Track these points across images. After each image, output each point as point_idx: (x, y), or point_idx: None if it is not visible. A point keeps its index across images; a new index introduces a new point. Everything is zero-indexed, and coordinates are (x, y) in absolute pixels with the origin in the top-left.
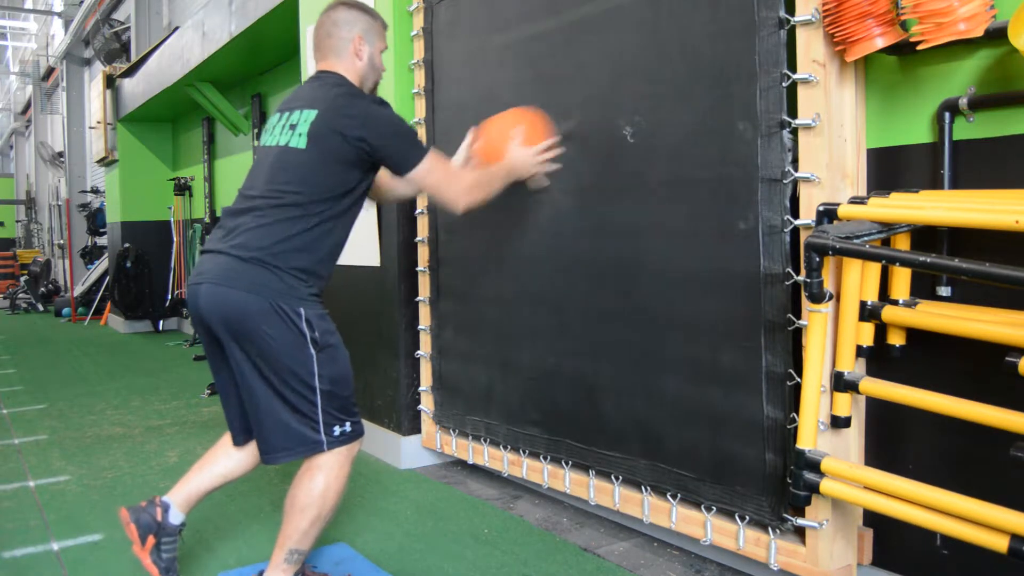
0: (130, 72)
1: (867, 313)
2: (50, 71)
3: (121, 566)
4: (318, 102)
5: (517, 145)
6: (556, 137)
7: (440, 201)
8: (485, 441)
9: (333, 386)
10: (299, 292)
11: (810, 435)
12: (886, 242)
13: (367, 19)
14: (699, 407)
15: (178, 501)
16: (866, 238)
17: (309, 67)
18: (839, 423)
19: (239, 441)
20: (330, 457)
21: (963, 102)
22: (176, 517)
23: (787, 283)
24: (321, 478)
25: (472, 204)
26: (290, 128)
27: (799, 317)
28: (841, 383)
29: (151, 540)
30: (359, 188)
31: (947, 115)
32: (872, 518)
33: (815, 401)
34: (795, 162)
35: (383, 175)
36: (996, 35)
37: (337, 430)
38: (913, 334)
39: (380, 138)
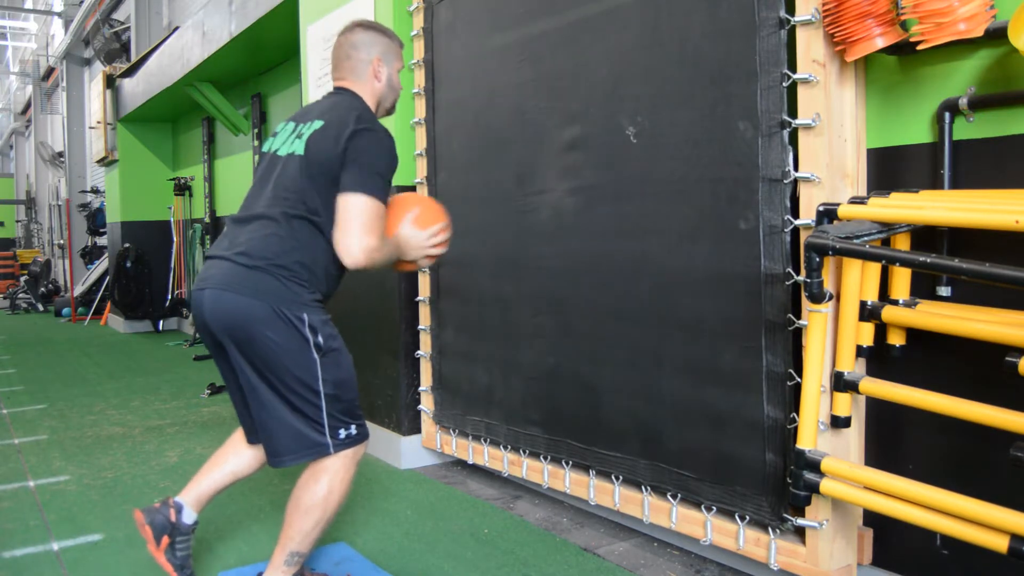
0: (130, 72)
1: (867, 313)
2: (50, 71)
3: (121, 566)
4: (327, 114)
5: (410, 225)
6: (446, 224)
7: (342, 243)
8: (485, 441)
9: (337, 390)
10: (302, 298)
11: (810, 435)
12: (886, 242)
13: (385, 40)
14: (699, 407)
15: (190, 501)
16: (866, 238)
17: (309, 67)
18: (839, 423)
19: (253, 440)
20: (335, 460)
21: (963, 102)
22: (189, 516)
23: (787, 283)
24: (326, 481)
25: (366, 264)
26: (297, 138)
27: (799, 317)
28: (841, 383)
29: (165, 540)
30: None
31: (947, 115)
32: (872, 518)
33: (815, 401)
34: (795, 162)
35: None
36: (996, 35)
37: (343, 433)
38: (913, 334)
39: (354, 149)
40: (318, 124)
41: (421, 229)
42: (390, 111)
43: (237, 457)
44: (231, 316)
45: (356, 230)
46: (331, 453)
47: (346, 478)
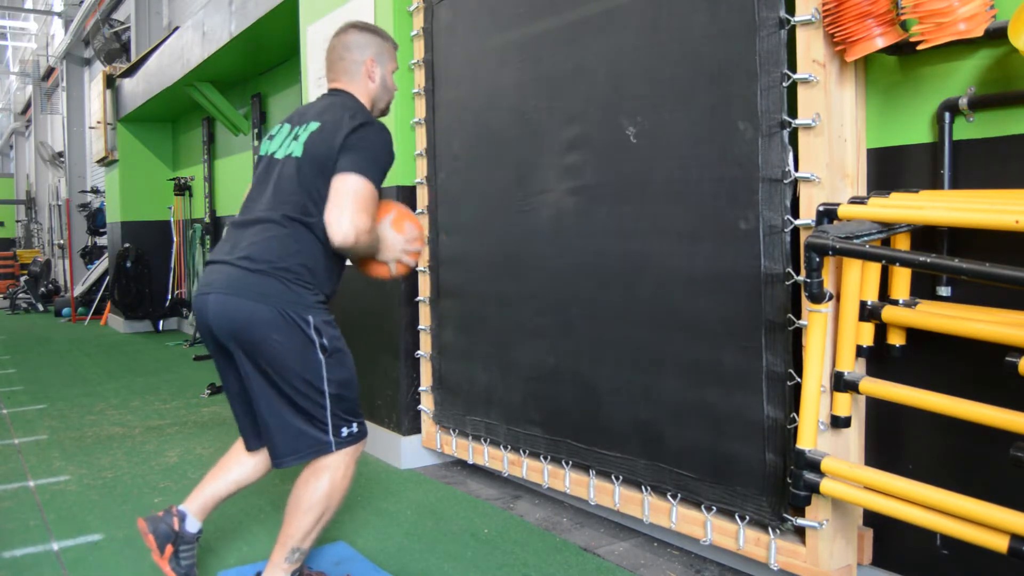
0: (130, 72)
1: (867, 313)
2: (50, 71)
3: (121, 566)
4: (323, 116)
5: (388, 226)
6: (422, 234)
7: (334, 219)
8: (485, 441)
9: (341, 389)
10: (306, 300)
11: (810, 435)
12: (886, 242)
13: (379, 41)
14: (699, 407)
15: (194, 509)
16: (866, 238)
17: (309, 67)
18: (839, 423)
19: (252, 446)
20: (337, 458)
21: (963, 102)
22: (193, 525)
23: (787, 283)
24: (327, 478)
25: (354, 242)
26: (293, 140)
27: (799, 317)
28: (841, 383)
29: (169, 549)
30: None
31: (947, 115)
32: (872, 518)
33: (815, 401)
34: (795, 162)
35: None
36: (996, 35)
37: (345, 431)
38: (913, 334)
39: (355, 138)
40: (314, 126)
41: (399, 232)
42: (384, 112)
43: (240, 466)
44: (236, 320)
45: (350, 207)
46: (333, 451)
47: (347, 475)
